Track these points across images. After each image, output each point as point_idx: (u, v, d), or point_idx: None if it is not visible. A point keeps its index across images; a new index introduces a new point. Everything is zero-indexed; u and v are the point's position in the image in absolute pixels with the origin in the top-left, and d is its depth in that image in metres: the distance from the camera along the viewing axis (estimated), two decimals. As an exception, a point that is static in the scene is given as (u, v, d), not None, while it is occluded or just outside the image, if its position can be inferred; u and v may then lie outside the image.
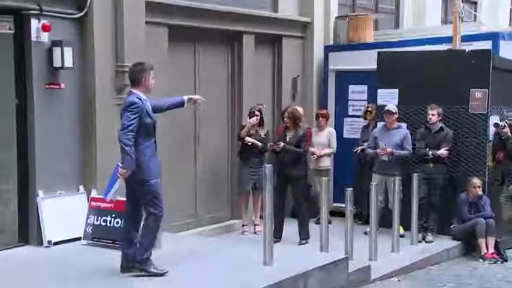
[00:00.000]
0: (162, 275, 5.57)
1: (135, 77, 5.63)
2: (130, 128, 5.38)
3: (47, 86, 6.82)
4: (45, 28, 6.66)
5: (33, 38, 6.66)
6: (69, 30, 6.97)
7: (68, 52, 6.76)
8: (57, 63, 6.75)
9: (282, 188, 7.94)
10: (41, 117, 6.78)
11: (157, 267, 5.60)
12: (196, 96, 6.20)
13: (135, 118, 5.41)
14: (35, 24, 6.65)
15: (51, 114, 6.87)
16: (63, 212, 6.87)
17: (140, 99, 5.52)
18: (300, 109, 9.05)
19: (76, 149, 7.13)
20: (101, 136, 7.14)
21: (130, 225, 5.76)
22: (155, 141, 5.67)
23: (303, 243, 8.11)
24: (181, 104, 6.10)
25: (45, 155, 6.80)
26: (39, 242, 6.73)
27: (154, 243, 5.70)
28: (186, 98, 6.07)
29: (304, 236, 8.16)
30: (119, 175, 5.49)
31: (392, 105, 8.67)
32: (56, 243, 6.73)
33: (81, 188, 7.17)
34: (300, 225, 8.23)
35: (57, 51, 6.74)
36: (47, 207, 6.79)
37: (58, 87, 6.89)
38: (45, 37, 6.73)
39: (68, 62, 6.77)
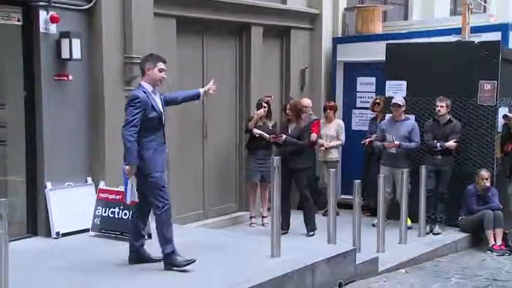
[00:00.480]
0: (190, 263, 5.52)
1: (140, 66, 5.65)
2: (133, 123, 5.33)
3: (55, 78, 6.84)
4: (53, 19, 6.67)
5: (42, 30, 6.67)
6: (77, 22, 6.98)
7: (76, 43, 6.76)
8: (65, 54, 6.76)
9: (286, 180, 7.93)
10: (49, 109, 6.79)
11: (183, 257, 5.55)
12: (207, 87, 6.06)
13: (138, 113, 5.35)
14: (43, 15, 6.65)
15: (60, 106, 6.88)
16: (71, 204, 6.90)
17: (146, 93, 5.47)
18: (307, 101, 9.04)
19: (84, 141, 7.15)
20: (109, 128, 7.15)
21: (139, 218, 5.77)
22: (164, 134, 5.62)
23: (311, 235, 8.12)
24: (196, 97, 6.06)
25: (53, 147, 6.83)
26: (48, 234, 6.77)
27: (171, 236, 5.60)
28: (201, 90, 6.01)
29: (311, 227, 8.17)
30: (126, 174, 5.44)
31: (399, 98, 8.64)
32: (64, 235, 6.77)
33: (89, 179, 7.19)
34: (306, 217, 8.23)
35: (65, 42, 6.74)
36: (55, 199, 6.82)
37: (66, 78, 6.90)
38: (53, 28, 6.74)
39: (76, 54, 6.78)
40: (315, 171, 9.53)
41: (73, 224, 6.88)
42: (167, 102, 5.76)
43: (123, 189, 6.79)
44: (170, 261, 5.54)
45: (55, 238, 6.72)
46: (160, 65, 5.59)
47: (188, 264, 5.51)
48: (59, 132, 6.88)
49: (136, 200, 5.54)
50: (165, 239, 5.55)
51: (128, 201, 5.59)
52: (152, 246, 5.79)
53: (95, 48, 7.11)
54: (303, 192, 8.23)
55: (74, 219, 6.89)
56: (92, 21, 7.09)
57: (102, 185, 7.05)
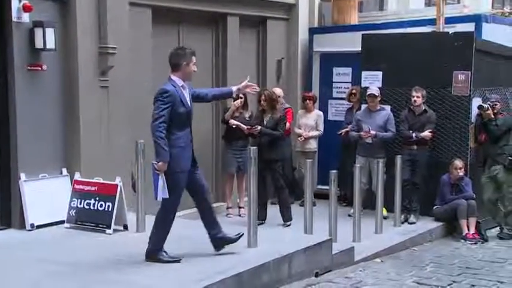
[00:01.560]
0: (177, 261, 5.49)
1: (174, 61, 5.44)
2: (162, 119, 5.19)
3: (29, 68, 6.74)
4: (26, 8, 6.56)
5: (14, 19, 6.56)
6: (51, 11, 6.88)
7: (50, 33, 6.67)
8: (39, 44, 6.66)
9: (262, 170, 7.94)
10: (23, 99, 6.70)
11: (169, 254, 5.53)
12: (243, 84, 5.84)
13: (166, 108, 5.21)
14: (15, 4, 6.54)
15: (33, 96, 6.79)
16: (46, 195, 6.83)
17: (175, 87, 5.33)
18: (278, 90, 9.04)
19: (59, 132, 7.08)
20: (84, 118, 7.08)
21: (201, 210, 5.71)
22: (191, 131, 5.50)
23: (287, 225, 8.15)
24: (229, 95, 6.00)
25: (27, 138, 6.74)
26: (22, 226, 6.69)
27: (166, 235, 5.57)
28: (234, 88, 5.83)
29: (287, 218, 8.20)
30: (157, 171, 5.28)
31: (374, 88, 8.70)
32: (38, 227, 6.70)
33: (64, 170, 7.12)
34: (282, 207, 8.25)
35: (38, 32, 6.64)
36: (29, 190, 6.74)
37: (40, 68, 6.81)
38: (26, 17, 6.63)
39: (50, 43, 6.68)
40: (291, 162, 9.56)
41: (48, 215, 6.81)
42: (196, 98, 5.60)
43: (99, 181, 6.78)
44: (157, 257, 5.49)
45: (29, 230, 6.65)
46: (194, 59, 5.47)
47: (173, 261, 5.48)
48: (33, 123, 6.79)
49: (167, 196, 5.36)
50: (160, 236, 5.51)
51: (159, 198, 5.40)
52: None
53: (69, 38, 7.02)
54: (279, 183, 8.25)
55: (48, 210, 6.82)
56: (66, 10, 6.99)
57: (77, 176, 6.98)
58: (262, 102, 8.22)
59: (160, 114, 5.22)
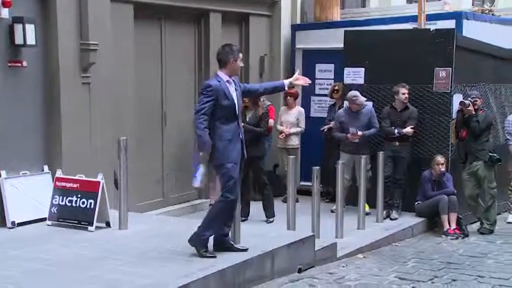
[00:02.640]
0: (213, 257, 5.51)
1: (222, 58, 5.56)
2: (203, 111, 5.35)
3: (9, 64, 6.67)
4: (5, 4, 6.48)
5: (-7, 14, 6.49)
6: (31, 7, 6.81)
7: (30, 29, 6.60)
8: (19, 40, 6.59)
9: (244, 167, 7.92)
10: (3, 96, 6.63)
11: (208, 251, 5.57)
12: (294, 77, 5.99)
13: (208, 101, 5.36)
14: (-6, -1, 6.47)
15: (14, 93, 6.73)
16: (27, 193, 6.77)
17: (219, 82, 5.45)
18: None
19: (40, 129, 7.01)
20: (65, 115, 7.03)
21: None
22: (239, 124, 5.60)
23: (270, 222, 8.17)
24: (281, 88, 6.11)
25: (7, 135, 6.67)
26: (2, 223, 6.62)
27: (216, 228, 5.60)
28: (286, 81, 5.97)
29: (270, 214, 8.21)
30: (201, 162, 5.39)
31: (355, 92, 8.65)
32: (19, 224, 6.64)
33: (46, 167, 7.06)
34: (265, 204, 8.27)
35: (18, 28, 6.57)
36: (10, 188, 6.68)
37: (20, 65, 6.74)
38: (5, 13, 6.55)
39: (31, 40, 6.61)
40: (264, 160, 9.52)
41: (29, 213, 6.75)
42: (247, 93, 5.82)
43: (81, 178, 6.74)
44: (196, 244, 5.55)
45: (10, 228, 6.59)
46: (241, 55, 5.62)
47: (209, 257, 5.50)
48: (13, 120, 6.72)
49: (198, 185, 5.55)
50: (210, 226, 5.56)
51: (196, 185, 5.57)
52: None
53: (50, 34, 6.96)
54: (261, 180, 8.25)
55: (30, 208, 6.77)
56: (46, 6, 6.92)
57: (59, 173, 6.92)
58: (244, 99, 8.19)
59: (202, 107, 5.39)
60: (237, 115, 5.59)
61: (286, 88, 6.08)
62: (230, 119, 5.51)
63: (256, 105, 8.19)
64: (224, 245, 5.71)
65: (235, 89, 5.59)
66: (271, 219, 8.20)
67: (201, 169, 5.46)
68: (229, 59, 5.55)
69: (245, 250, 5.69)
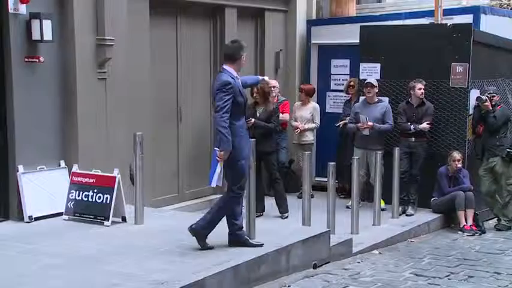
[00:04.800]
0: (211, 248, 5.59)
1: (232, 53, 5.57)
2: (225, 109, 5.34)
3: (26, 60, 6.71)
4: (23, 0, 6.53)
5: (11, 10, 6.52)
6: (48, 2, 6.84)
7: (47, 25, 6.63)
8: (36, 36, 6.63)
9: (256, 163, 7.93)
10: (20, 91, 6.68)
11: (207, 243, 5.64)
12: (267, 79, 6.32)
13: (229, 99, 5.36)
14: (12, -4, 6.52)
15: (31, 88, 6.77)
16: (44, 187, 6.83)
17: (233, 78, 5.46)
18: (273, 81, 9.04)
19: (57, 124, 7.06)
20: (82, 110, 7.07)
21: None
22: (246, 120, 5.66)
23: (285, 217, 8.16)
24: (257, 82, 6.29)
25: (25, 130, 6.73)
26: (20, 218, 6.69)
27: (219, 221, 5.66)
28: (260, 78, 6.18)
29: (284, 210, 8.21)
30: (218, 159, 5.40)
31: (373, 79, 8.69)
32: (37, 219, 6.70)
33: (62, 163, 7.11)
34: (278, 199, 8.26)
35: (35, 23, 6.61)
36: (27, 183, 6.73)
37: (37, 60, 6.78)
38: (23, 9, 6.59)
39: (48, 35, 6.65)
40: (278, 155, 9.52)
41: (46, 207, 6.81)
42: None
43: (97, 173, 6.78)
44: (197, 236, 5.61)
45: (28, 222, 6.65)
46: (246, 51, 5.66)
47: (207, 248, 5.59)
48: (30, 115, 6.77)
49: (221, 184, 5.53)
50: (214, 221, 5.62)
51: (214, 185, 5.54)
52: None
53: (67, 30, 6.99)
54: (273, 175, 8.25)
55: (46, 203, 6.82)
56: (63, 2, 6.96)
57: (75, 168, 6.97)
58: (255, 94, 8.20)
59: (224, 105, 5.35)
60: (246, 111, 5.67)
61: (259, 84, 6.22)
62: (241, 115, 5.56)
63: (266, 101, 8.18)
64: (240, 240, 5.72)
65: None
66: (286, 215, 8.19)
67: (218, 168, 5.45)
68: (240, 55, 5.56)
69: (260, 245, 5.70)
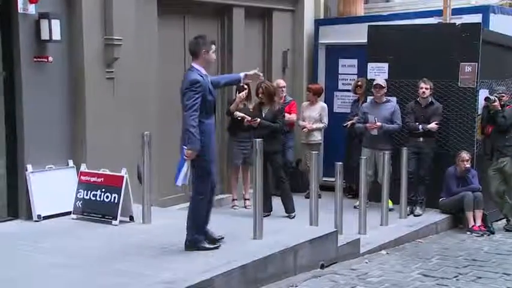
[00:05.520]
0: (216, 248, 5.61)
1: (193, 49, 5.52)
2: (195, 108, 5.29)
3: (35, 59, 6.74)
4: (32, 0, 6.55)
5: (20, 10, 6.55)
6: (56, 2, 6.87)
7: (56, 24, 6.66)
8: (44, 35, 6.66)
9: (265, 163, 7.91)
10: (29, 91, 6.70)
11: (208, 243, 5.64)
12: (251, 72, 5.95)
13: (198, 97, 5.31)
14: (21, -4, 6.54)
15: (40, 88, 6.80)
16: (53, 187, 6.85)
17: (202, 77, 5.41)
18: (281, 81, 9.04)
19: (65, 123, 7.08)
20: (90, 110, 7.09)
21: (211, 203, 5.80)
22: (215, 119, 5.63)
23: (292, 217, 8.15)
24: (237, 81, 6.04)
25: (33, 129, 6.75)
26: (29, 216, 6.72)
27: (201, 222, 5.65)
28: (242, 75, 5.93)
29: (290, 209, 8.20)
30: (185, 157, 5.38)
31: (381, 79, 8.67)
32: (45, 218, 6.73)
33: (71, 162, 7.13)
34: (284, 199, 8.25)
35: (44, 23, 6.64)
36: (36, 182, 6.76)
37: (46, 60, 6.81)
38: (32, 9, 6.62)
39: (56, 35, 6.68)
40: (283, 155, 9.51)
41: (55, 207, 6.83)
42: (212, 85, 5.71)
43: (105, 172, 6.80)
44: (195, 247, 5.58)
45: (36, 221, 6.68)
46: (213, 47, 5.56)
47: (216, 248, 5.59)
48: (39, 115, 6.80)
49: (186, 183, 5.49)
50: (194, 225, 5.59)
51: (179, 183, 5.50)
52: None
53: (75, 30, 7.02)
54: (279, 175, 8.24)
55: (55, 202, 6.84)
56: (71, 2, 6.98)
57: (83, 167, 6.99)
58: (260, 95, 8.19)
59: (193, 103, 5.30)
60: (215, 110, 5.61)
61: (242, 81, 6.00)
62: (210, 114, 5.52)
63: (272, 101, 8.16)
64: (196, 244, 5.65)
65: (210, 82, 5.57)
66: (293, 214, 8.18)
67: (185, 167, 5.40)
68: (201, 50, 5.47)
69: (216, 248, 5.63)
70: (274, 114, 8.12)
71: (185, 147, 5.37)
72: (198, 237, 5.61)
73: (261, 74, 6.06)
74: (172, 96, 8.28)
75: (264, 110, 8.17)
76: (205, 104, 5.39)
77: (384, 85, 8.57)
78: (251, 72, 5.90)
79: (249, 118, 8.34)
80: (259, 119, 8.03)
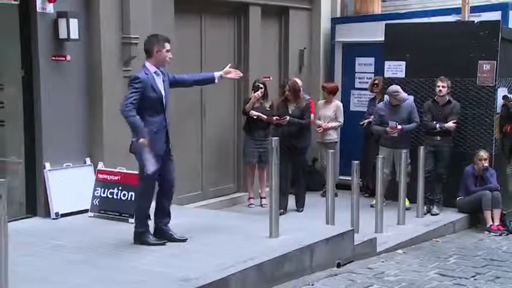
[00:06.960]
0: (162, 244, 5.68)
1: (146, 48, 5.65)
2: (130, 100, 5.43)
3: (53, 58, 6.80)
4: (50, -1, 6.62)
5: (39, 9, 6.61)
6: (74, 1, 6.92)
7: (74, 23, 6.71)
8: (63, 34, 6.72)
9: (285, 160, 7.93)
10: (47, 90, 6.76)
11: (152, 239, 5.72)
12: (231, 75, 6.01)
13: (135, 93, 5.44)
14: (40, -5, 6.60)
15: (58, 87, 6.85)
16: (70, 184, 6.90)
17: (147, 74, 5.52)
18: (298, 81, 9.03)
19: (83, 122, 7.13)
20: (107, 108, 7.13)
21: (161, 197, 5.83)
22: (165, 117, 5.65)
23: (300, 211, 8.33)
24: (211, 81, 6.03)
25: (51, 128, 6.81)
26: (47, 214, 6.78)
27: (143, 216, 5.74)
28: (217, 74, 5.95)
29: (300, 205, 8.38)
30: (143, 147, 5.42)
31: (396, 87, 8.51)
32: (63, 215, 6.78)
33: (88, 160, 7.18)
34: (298, 195, 8.39)
35: (62, 22, 6.69)
36: (54, 180, 6.82)
37: (64, 59, 6.86)
38: (50, 8, 6.68)
39: (74, 34, 6.73)
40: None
41: (72, 204, 6.88)
42: (174, 84, 5.81)
43: (122, 170, 6.83)
44: (140, 240, 5.71)
45: (54, 219, 6.74)
46: (167, 46, 5.64)
47: (158, 244, 5.67)
48: (57, 113, 6.86)
49: (156, 167, 5.49)
50: (137, 218, 5.76)
51: (151, 171, 5.50)
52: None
53: (93, 28, 7.06)
54: (299, 172, 8.32)
55: (73, 200, 6.89)
56: (89, 1, 7.03)
57: (100, 166, 7.04)
58: (287, 92, 8.23)
59: (128, 97, 5.46)
60: (164, 107, 5.62)
61: (216, 81, 6.00)
62: (157, 111, 5.56)
63: (298, 97, 8.22)
64: (163, 235, 5.78)
65: (163, 81, 5.62)
66: (301, 209, 8.34)
67: (147, 155, 5.43)
68: (153, 49, 5.57)
69: (184, 241, 5.74)
70: (302, 111, 8.15)
71: (134, 140, 5.47)
72: (142, 230, 5.70)
73: (241, 74, 6.15)
74: (188, 94, 8.33)
75: (290, 107, 8.20)
76: (148, 101, 5.47)
77: (399, 91, 8.45)
78: (225, 70, 5.96)
79: (265, 116, 8.37)
80: (288, 117, 8.08)
